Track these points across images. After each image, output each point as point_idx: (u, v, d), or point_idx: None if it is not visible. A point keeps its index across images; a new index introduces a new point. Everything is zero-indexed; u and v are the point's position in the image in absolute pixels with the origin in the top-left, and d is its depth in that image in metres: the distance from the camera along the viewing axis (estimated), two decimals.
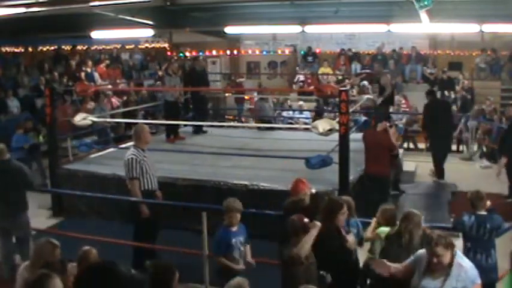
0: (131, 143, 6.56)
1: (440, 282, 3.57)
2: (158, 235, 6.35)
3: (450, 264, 3.57)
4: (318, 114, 13.66)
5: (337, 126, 7.06)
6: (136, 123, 12.25)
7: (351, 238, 4.61)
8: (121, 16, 12.58)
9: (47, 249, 3.99)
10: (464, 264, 3.60)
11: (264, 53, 18.78)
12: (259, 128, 11.61)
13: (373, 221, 5.16)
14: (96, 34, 15.01)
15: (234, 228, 4.93)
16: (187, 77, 10.93)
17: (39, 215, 7.55)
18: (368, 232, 5.08)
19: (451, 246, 3.59)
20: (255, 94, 14.92)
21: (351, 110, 8.05)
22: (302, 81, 16.79)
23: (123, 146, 9.79)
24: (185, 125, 11.01)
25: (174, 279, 3.57)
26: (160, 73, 10.85)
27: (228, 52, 18.83)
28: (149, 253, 6.16)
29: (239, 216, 4.93)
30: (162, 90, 12.92)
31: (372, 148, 7.54)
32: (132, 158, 6.04)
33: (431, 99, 10.03)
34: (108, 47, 17.42)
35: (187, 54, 18.33)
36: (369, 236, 5.04)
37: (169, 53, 18.57)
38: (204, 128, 11.14)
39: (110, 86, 14.47)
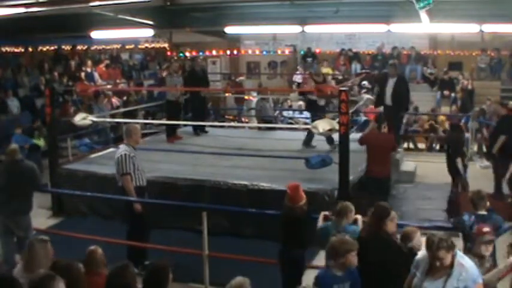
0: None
1: (441, 283, 3.56)
2: (149, 234, 6.36)
3: (451, 264, 3.56)
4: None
5: (337, 127, 7.06)
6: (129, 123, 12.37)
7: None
8: (121, 16, 12.57)
9: (41, 247, 3.98)
10: (465, 264, 3.59)
11: (264, 53, 18.78)
12: (259, 128, 11.60)
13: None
14: (96, 34, 15.00)
15: (340, 273, 3.94)
16: (188, 77, 10.94)
17: (39, 215, 7.54)
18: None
19: (452, 248, 3.58)
20: (255, 94, 14.92)
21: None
22: (299, 83, 16.84)
23: (120, 146, 9.81)
24: (185, 125, 11.01)
25: (167, 280, 3.58)
26: (164, 74, 10.86)
27: (228, 52, 18.83)
28: (143, 252, 6.20)
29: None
30: (162, 90, 12.96)
31: (375, 150, 7.39)
32: (125, 154, 6.12)
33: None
34: (108, 47, 17.43)
35: (187, 54, 18.34)
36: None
37: (169, 53, 18.57)
38: (206, 128, 11.14)
39: (109, 86, 14.47)
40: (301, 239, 5.03)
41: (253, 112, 14.40)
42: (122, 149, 6.26)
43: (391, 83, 9.46)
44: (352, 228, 4.68)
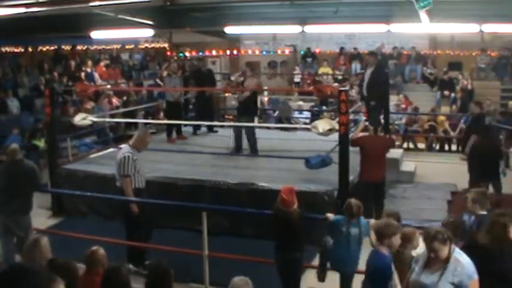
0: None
1: (437, 277, 3.62)
2: (152, 233, 6.37)
3: (447, 260, 3.61)
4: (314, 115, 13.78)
5: (337, 126, 7.05)
6: (137, 124, 12.39)
7: None
8: (121, 16, 12.58)
9: (43, 245, 3.99)
10: (462, 260, 3.63)
11: (264, 53, 18.80)
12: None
13: (372, 222, 5.20)
14: (96, 34, 15.02)
15: (388, 253, 4.25)
16: (194, 77, 10.96)
17: (39, 215, 7.54)
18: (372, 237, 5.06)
19: (449, 241, 3.62)
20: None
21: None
22: (297, 82, 16.92)
23: (123, 146, 9.81)
24: (186, 125, 11.01)
25: (171, 282, 3.63)
26: (164, 74, 10.87)
27: (228, 52, 18.83)
28: (142, 252, 6.20)
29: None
30: (162, 90, 12.96)
31: (371, 153, 7.18)
32: (128, 156, 6.11)
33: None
34: (108, 47, 17.43)
35: (187, 54, 18.35)
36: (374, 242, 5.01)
37: (169, 53, 18.58)
38: (214, 128, 11.16)
39: (109, 86, 14.48)
40: (299, 242, 5.06)
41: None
42: (126, 150, 6.25)
43: (368, 72, 9.22)
44: (365, 222, 5.03)
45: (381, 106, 9.39)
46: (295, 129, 11.15)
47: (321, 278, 5.29)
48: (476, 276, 3.61)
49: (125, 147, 6.37)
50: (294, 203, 5.00)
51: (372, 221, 5.33)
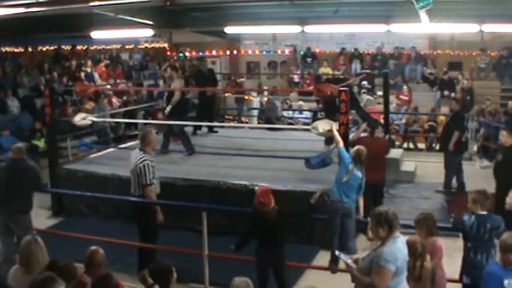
0: (131, 143, 6.55)
1: (366, 254, 3.74)
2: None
3: (383, 243, 3.65)
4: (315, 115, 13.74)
5: (337, 127, 7.04)
6: (137, 124, 12.39)
7: None
8: (121, 16, 12.57)
9: (36, 246, 3.99)
10: (387, 246, 3.63)
11: (264, 53, 18.78)
12: (272, 129, 11.45)
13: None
14: (96, 34, 15.02)
15: (509, 268, 4.03)
16: (195, 78, 10.96)
17: (39, 215, 7.53)
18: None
19: (380, 224, 3.64)
20: (255, 94, 14.92)
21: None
22: (297, 82, 16.90)
23: (123, 146, 9.81)
24: (186, 125, 11.00)
25: (171, 280, 3.62)
26: (167, 74, 10.84)
27: (228, 52, 18.83)
28: (152, 254, 6.17)
29: None
30: (161, 90, 12.94)
31: (371, 156, 6.75)
32: (149, 164, 5.91)
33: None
34: (108, 47, 17.43)
35: (187, 54, 18.36)
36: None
37: (169, 53, 18.58)
38: (214, 128, 11.14)
39: (109, 86, 14.48)
40: (281, 238, 5.23)
41: (253, 112, 14.42)
42: (143, 157, 5.95)
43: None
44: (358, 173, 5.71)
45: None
46: (282, 129, 11.19)
47: (334, 270, 5.48)
48: (387, 265, 3.58)
49: (140, 154, 6.02)
50: (270, 203, 5.12)
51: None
